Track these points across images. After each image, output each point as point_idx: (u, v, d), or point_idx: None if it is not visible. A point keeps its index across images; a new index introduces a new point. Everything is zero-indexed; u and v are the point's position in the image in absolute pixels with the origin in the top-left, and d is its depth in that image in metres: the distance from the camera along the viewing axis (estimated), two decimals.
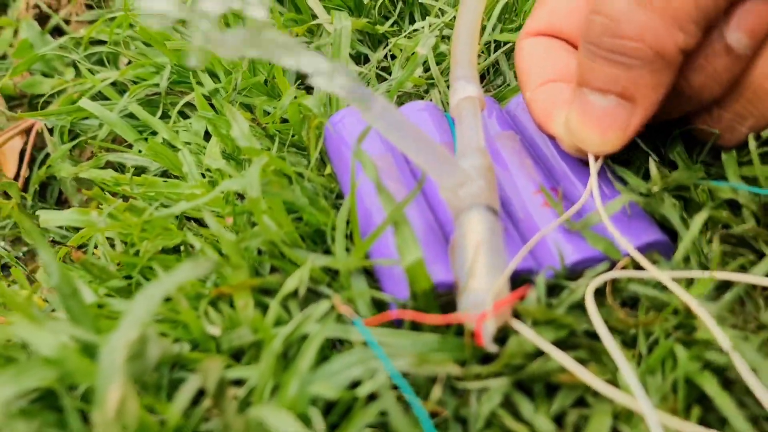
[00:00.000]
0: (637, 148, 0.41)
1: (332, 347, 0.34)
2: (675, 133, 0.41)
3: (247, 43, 0.27)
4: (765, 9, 0.33)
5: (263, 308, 0.35)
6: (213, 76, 0.57)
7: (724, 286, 0.35)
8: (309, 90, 0.54)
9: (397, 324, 0.34)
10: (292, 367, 0.30)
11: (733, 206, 0.39)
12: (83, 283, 0.38)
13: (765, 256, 0.35)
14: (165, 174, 0.53)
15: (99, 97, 0.61)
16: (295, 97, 0.48)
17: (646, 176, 0.40)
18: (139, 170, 0.54)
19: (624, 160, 0.42)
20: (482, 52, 0.55)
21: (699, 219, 0.35)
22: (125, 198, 0.49)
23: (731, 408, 0.30)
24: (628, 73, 0.33)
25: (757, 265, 0.35)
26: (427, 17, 0.57)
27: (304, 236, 0.39)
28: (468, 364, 0.31)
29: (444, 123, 0.44)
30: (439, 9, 0.58)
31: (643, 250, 0.35)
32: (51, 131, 0.63)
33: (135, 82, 0.61)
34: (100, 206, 0.46)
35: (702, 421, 0.30)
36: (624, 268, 0.35)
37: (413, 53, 0.52)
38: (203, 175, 0.47)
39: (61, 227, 0.56)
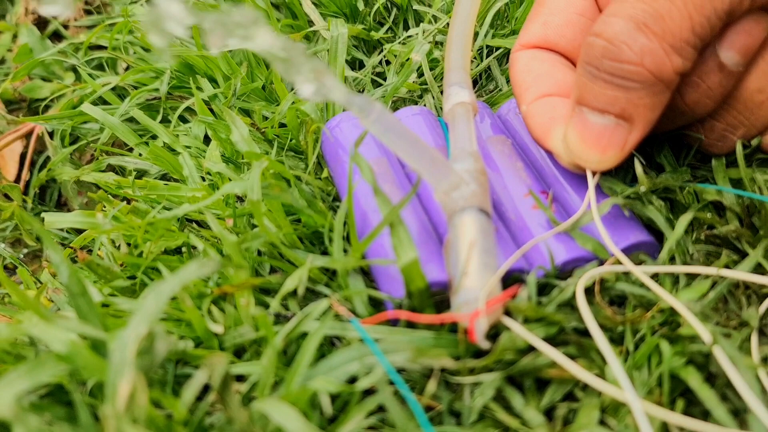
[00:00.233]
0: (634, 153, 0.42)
1: (331, 344, 0.35)
2: (663, 138, 0.42)
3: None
4: (756, 28, 0.35)
5: (264, 307, 0.36)
6: (212, 81, 0.58)
7: (711, 286, 0.36)
8: None
9: (393, 322, 0.35)
10: (293, 363, 0.32)
11: (719, 208, 0.40)
12: (88, 283, 0.39)
13: (747, 256, 0.37)
14: (165, 177, 0.54)
15: (99, 101, 0.62)
16: (293, 103, 0.49)
17: (635, 179, 0.41)
18: (140, 173, 0.55)
19: None
20: (475, 58, 0.56)
21: (684, 220, 0.37)
22: (127, 200, 0.50)
23: (713, 400, 0.31)
24: (627, 95, 0.34)
25: (740, 264, 0.36)
26: (420, 23, 0.59)
27: (302, 237, 0.41)
28: (462, 360, 0.32)
29: (437, 127, 0.45)
30: (433, 16, 0.59)
31: (630, 250, 0.37)
32: (51, 135, 0.64)
33: (135, 87, 0.62)
34: (104, 209, 0.47)
35: (686, 414, 0.31)
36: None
37: (407, 59, 0.53)
38: (203, 179, 0.49)
39: (61, 229, 0.57)
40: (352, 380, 0.31)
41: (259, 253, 0.40)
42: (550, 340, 0.33)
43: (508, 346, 0.32)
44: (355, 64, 0.58)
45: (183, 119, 0.59)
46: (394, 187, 0.40)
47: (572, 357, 0.33)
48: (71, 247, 0.46)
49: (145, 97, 0.59)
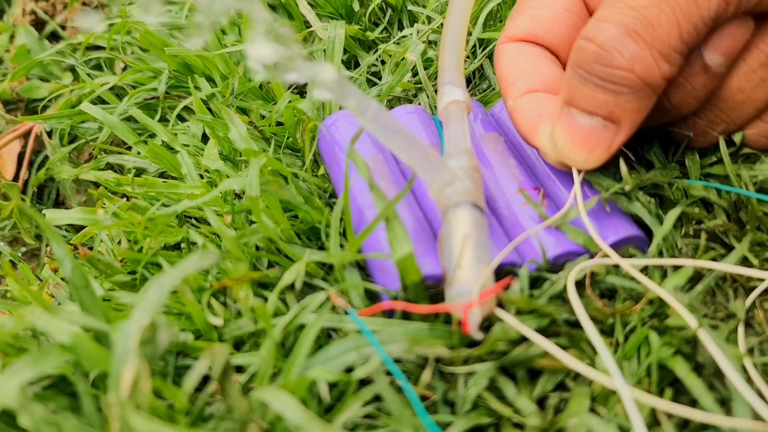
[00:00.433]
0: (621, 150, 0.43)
1: (327, 336, 0.36)
2: (651, 134, 0.43)
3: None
4: (739, 31, 0.36)
5: (262, 301, 0.37)
6: (210, 80, 0.59)
7: (696, 279, 0.37)
8: (303, 94, 0.56)
9: (389, 314, 0.36)
10: (291, 354, 0.32)
11: (707, 204, 0.41)
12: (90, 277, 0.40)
13: (734, 249, 0.37)
14: (163, 175, 0.55)
15: (97, 101, 0.63)
16: (290, 101, 0.49)
17: None
18: (139, 171, 0.55)
19: None
20: (468, 57, 0.57)
21: (672, 215, 0.37)
22: (126, 198, 0.50)
23: (700, 388, 0.32)
24: (616, 99, 0.35)
25: (726, 257, 0.37)
26: (415, 24, 0.59)
27: (299, 233, 0.41)
28: (455, 350, 0.33)
29: (432, 125, 0.46)
30: (427, 16, 0.60)
31: (620, 245, 0.38)
32: (49, 134, 0.65)
33: (133, 87, 0.63)
34: (104, 206, 0.48)
35: (674, 402, 0.32)
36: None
37: (402, 59, 0.54)
38: (201, 176, 0.49)
39: (59, 227, 0.57)
40: (349, 370, 0.32)
41: (257, 248, 0.40)
42: (542, 332, 0.34)
43: (501, 336, 0.33)
44: (351, 64, 0.59)
45: (181, 118, 0.60)
46: (390, 184, 0.41)
47: (563, 348, 0.34)
48: (71, 244, 0.47)
49: (143, 97, 0.60)
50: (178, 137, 0.54)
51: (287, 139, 0.49)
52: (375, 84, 0.56)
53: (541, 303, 0.35)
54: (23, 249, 0.62)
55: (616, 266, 0.37)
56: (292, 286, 0.38)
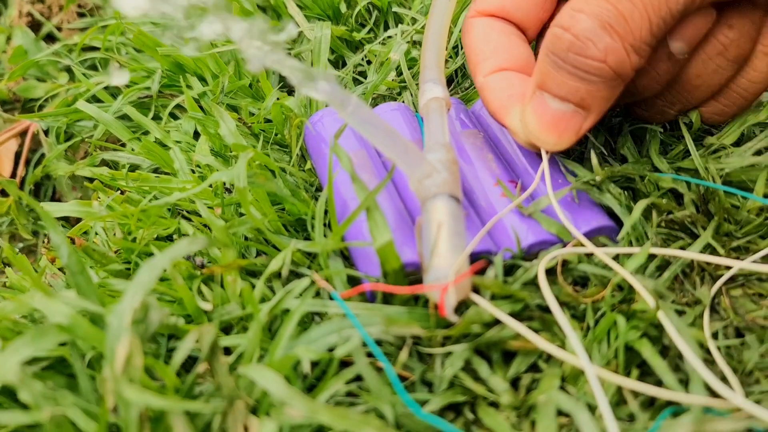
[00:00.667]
0: (593, 144, 0.45)
1: (312, 321, 0.38)
2: (625, 130, 0.45)
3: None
4: (702, 21, 0.39)
5: (250, 286, 0.39)
6: (201, 79, 0.61)
7: (665, 267, 0.39)
8: (290, 92, 0.58)
9: (370, 300, 0.37)
10: (276, 335, 0.34)
11: (679, 197, 0.43)
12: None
13: (699, 237, 0.39)
14: (156, 171, 0.56)
15: (92, 100, 0.64)
16: (278, 99, 0.51)
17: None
18: (133, 167, 0.57)
19: (579, 154, 0.46)
20: (451, 57, 0.59)
21: (640, 204, 0.39)
22: (121, 192, 0.52)
23: (663, 367, 0.34)
24: (588, 87, 0.37)
25: (691, 245, 0.39)
26: (399, 25, 0.61)
27: (286, 224, 0.43)
28: (431, 330, 0.35)
29: (414, 122, 0.47)
30: (411, 18, 0.61)
31: (592, 234, 0.39)
32: (46, 133, 0.67)
33: (127, 86, 0.64)
34: (98, 198, 0.50)
35: (638, 381, 0.33)
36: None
37: (387, 59, 0.56)
38: (193, 171, 0.51)
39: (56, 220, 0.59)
40: (331, 351, 0.34)
41: (246, 238, 0.42)
42: (516, 316, 0.36)
43: (475, 319, 0.34)
44: (338, 63, 0.61)
45: (173, 116, 0.61)
46: (372, 177, 0.43)
47: (536, 331, 0.36)
48: (68, 237, 0.48)
49: (137, 95, 0.62)
50: (170, 134, 0.55)
51: (275, 135, 0.50)
52: (361, 82, 0.57)
53: (515, 288, 0.36)
54: (20, 245, 0.63)
55: (589, 254, 0.39)
56: (278, 275, 0.40)
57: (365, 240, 0.39)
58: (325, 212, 0.41)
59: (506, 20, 0.44)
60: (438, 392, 0.34)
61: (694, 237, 0.40)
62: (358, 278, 0.38)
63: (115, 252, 0.45)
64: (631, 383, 0.32)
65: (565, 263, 0.39)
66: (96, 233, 0.47)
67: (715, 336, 0.37)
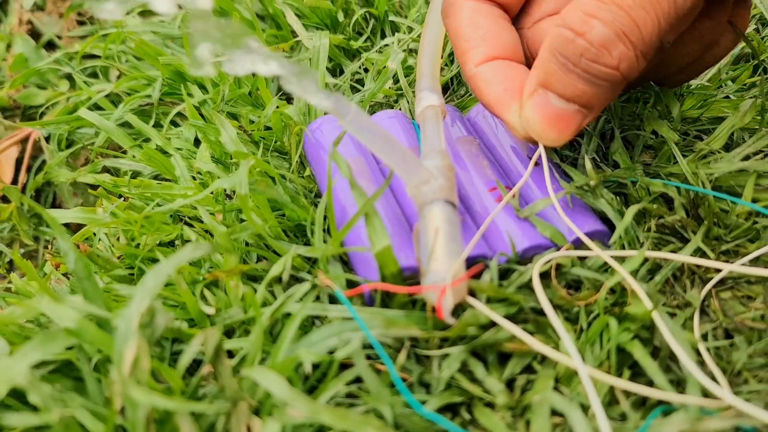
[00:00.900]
0: (586, 151, 0.46)
1: (312, 325, 0.39)
2: (617, 136, 0.46)
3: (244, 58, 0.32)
4: (691, 14, 0.39)
5: (252, 290, 0.39)
6: (201, 87, 0.61)
7: (656, 270, 0.40)
8: (289, 100, 0.58)
9: (369, 304, 0.38)
10: (278, 338, 0.35)
11: (670, 203, 0.44)
12: None
13: (689, 242, 0.40)
14: (157, 178, 0.57)
15: (93, 107, 0.65)
16: (278, 107, 0.52)
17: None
18: (134, 174, 0.58)
19: (572, 159, 0.47)
20: (446, 65, 0.60)
21: (632, 209, 0.40)
22: (124, 199, 0.53)
23: (654, 368, 0.35)
24: (595, 90, 0.37)
25: (682, 249, 0.40)
26: (396, 33, 0.62)
27: (286, 230, 0.44)
28: (429, 332, 0.36)
29: (411, 129, 0.48)
30: (408, 26, 0.62)
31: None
32: (47, 140, 0.68)
33: (128, 94, 0.65)
34: (102, 205, 0.50)
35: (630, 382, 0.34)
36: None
37: (384, 67, 0.57)
38: (194, 178, 0.52)
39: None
40: (332, 353, 0.35)
41: (247, 244, 0.43)
42: (511, 319, 0.37)
43: (471, 321, 0.35)
44: (336, 72, 0.62)
45: (174, 123, 0.62)
46: (370, 183, 0.43)
47: (530, 333, 0.37)
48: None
49: (138, 103, 0.63)
50: (171, 141, 0.56)
51: (275, 142, 0.51)
52: (358, 90, 0.58)
53: (510, 292, 0.37)
54: (21, 251, 0.64)
55: (582, 258, 0.40)
56: (279, 280, 0.40)
57: (364, 245, 0.40)
58: (325, 218, 0.42)
59: (491, 1, 0.44)
60: (435, 393, 0.35)
61: (685, 241, 0.41)
62: (357, 283, 0.39)
63: (118, 257, 0.46)
64: (623, 383, 0.33)
65: (558, 267, 0.40)
66: (99, 239, 0.48)
67: (704, 337, 0.38)
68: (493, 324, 0.36)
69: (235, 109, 0.57)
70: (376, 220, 0.37)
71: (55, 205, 0.69)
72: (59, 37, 0.84)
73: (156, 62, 0.62)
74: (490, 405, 0.35)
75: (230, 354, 0.37)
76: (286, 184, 0.46)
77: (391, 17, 0.63)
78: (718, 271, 0.39)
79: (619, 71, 0.36)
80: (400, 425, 0.33)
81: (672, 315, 0.39)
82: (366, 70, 0.59)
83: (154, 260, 0.44)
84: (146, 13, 0.76)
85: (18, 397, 0.33)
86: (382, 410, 0.33)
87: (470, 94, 0.57)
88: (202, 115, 0.57)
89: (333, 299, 0.39)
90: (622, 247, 0.41)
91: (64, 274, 0.46)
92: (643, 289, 0.37)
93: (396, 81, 0.57)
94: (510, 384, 0.37)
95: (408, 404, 0.34)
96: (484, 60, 0.42)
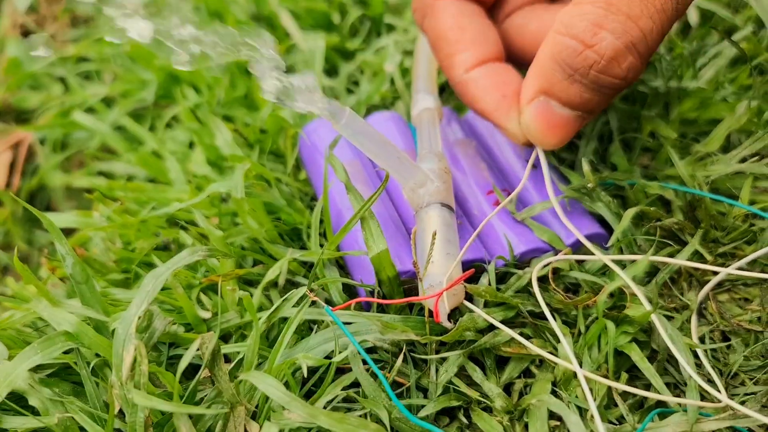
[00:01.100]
0: (584, 154, 0.46)
1: (309, 330, 0.39)
2: (615, 138, 0.46)
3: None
4: None
5: (248, 294, 0.39)
6: (196, 90, 0.61)
7: (654, 273, 0.40)
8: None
9: (366, 308, 0.38)
10: (276, 343, 0.35)
11: (667, 205, 0.44)
12: None
13: (686, 245, 0.40)
14: (152, 181, 0.57)
15: (86, 110, 0.65)
16: (273, 110, 0.52)
17: None
18: (128, 178, 0.58)
19: (570, 162, 0.47)
20: None
21: (630, 212, 0.40)
22: (121, 203, 0.52)
23: (651, 370, 0.35)
24: (600, 98, 0.37)
25: (680, 252, 0.40)
26: (392, 34, 0.62)
27: (282, 234, 0.44)
28: (426, 337, 0.36)
29: (407, 131, 0.48)
30: (404, 28, 0.62)
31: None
32: (41, 143, 0.67)
33: (122, 97, 0.65)
34: (98, 210, 0.50)
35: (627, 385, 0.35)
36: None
37: (381, 70, 0.57)
38: (189, 181, 0.51)
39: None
40: (329, 358, 0.35)
41: (243, 248, 0.43)
42: (508, 322, 0.37)
43: (469, 325, 0.35)
44: (330, 72, 0.61)
45: (168, 126, 0.62)
46: (366, 187, 0.43)
47: (528, 337, 0.37)
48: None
49: (132, 106, 0.62)
50: (166, 145, 0.56)
51: (270, 145, 0.51)
52: (353, 92, 0.58)
53: (508, 296, 0.37)
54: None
55: (580, 262, 0.40)
56: (275, 284, 0.40)
57: (360, 249, 0.40)
58: (321, 221, 0.42)
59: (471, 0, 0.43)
60: (433, 397, 0.35)
61: (682, 243, 0.41)
62: (353, 286, 0.39)
63: (113, 262, 0.45)
64: (620, 386, 0.33)
65: (556, 271, 0.40)
66: (95, 243, 0.48)
67: (702, 340, 0.38)
68: (491, 328, 0.36)
69: (230, 112, 0.57)
70: (373, 223, 0.37)
71: (49, 209, 0.68)
72: (52, 38, 0.84)
73: (150, 65, 0.62)
74: (488, 409, 0.35)
75: (226, 359, 0.37)
76: (282, 188, 0.46)
77: (387, 19, 0.63)
78: (716, 273, 0.39)
79: (626, 80, 0.36)
80: (397, 429, 0.33)
81: (669, 318, 0.39)
82: (361, 72, 0.59)
83: (150, 264, 0.44)
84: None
85: (17, 401, 0.33)
86: (379, 414, 0.33)
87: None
88: (197, 118, 0.57)
89: (330, 303, 0.39)
90: (620, 250, 0.41)
91: (60, 278, 0.46)
92: (642, 292, 0.37)
93: (392, 82, 0.56)
94: (508, 388, 0.37)
95: (405, 407, 0.34)
96: (475, 64, 0.41)
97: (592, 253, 0.40)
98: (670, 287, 0.40)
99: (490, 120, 0.41)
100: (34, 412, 0.32)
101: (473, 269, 0.37)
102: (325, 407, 0.34)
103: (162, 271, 0.32)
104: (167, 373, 0.32)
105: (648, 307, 0.36)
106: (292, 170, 0.49)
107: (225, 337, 0.39)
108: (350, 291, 0.40)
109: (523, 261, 0.40)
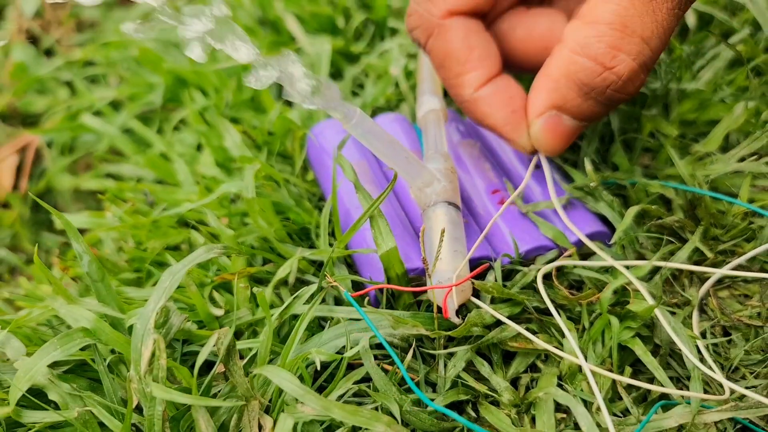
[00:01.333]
0: (586, 154, 0.47)
1: (320, 327, 0.39)
2: (616, 139, 0.47)
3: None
4: None
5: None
6: (204, 93, 0.62)
7: (656, 270, 0.41)
8: (291, 104, 0.59)
9: (375, 305, 0.39)
10: (288, 339, 0.36)
11: (668, 204, 0.45)
12: None
13: (687, 242, 0.41)
14: (160, 183, 0.57)
15: (93, 113, 0.66)
16: (280, 112, 0.53)
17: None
18: (137, 180, 0.58)
19: (573, 162, 0.48)
20: None
21: (632, 211, 0.41)
22: (130, 204, 0.53)
23: (654, 363, 0.36)
24: (609, 109, 0.39)
25: (680, 250, 0.41)
26: (396, 37, 0.62)
27: (291, 233, 0.45)
28: (435, 332, 0.36)
29: (412, 132, 0.49)
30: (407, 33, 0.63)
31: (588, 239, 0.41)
32: (48, 146, 0.68)
33: (129, 100, 0.65)
34: (110, 210, 0.51)
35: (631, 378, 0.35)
36: (569, 256, 0.41)
37: (386, 72, 0.57)
38: (198, 182, 0.52)
39: (62, 232, 0.60)
40: (340, 353, 0.35)
41: (253, 247, 0.43)
42: (515, 318, 0.38)
43: (477, 321, 0.36)
44: (335, 75, 0.62)
45: (175, 128, 0.63)
46: (374, 186, 0.44)
47: (533, 332, 0.38)
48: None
49: (140, 110, 0.63)
50: (174, 147, 0.57)
51: (279, 146, 0.51)
52: (358, 95, 0.59)
53: (514, 292, 0.38)
54: (23, 257, 0.64)
55: (584, 259, 0.41)
56: (285, 282, 0.41)
57: (369, 248, 0.40)
58: (329, 221, 0.43)
59: (474, 15, 0.42)
60: (442, 391, 0.36)
61: (683, 241, 0.42)
62: (362, 284, 0.40)
63: (125, 262, 0.46)
64: (624, 379, 0.34)
65: (560, 268, 0.41)
66: (105, 244, 0.49)
67: (703, 335, 0.39)
68: (497, 323, 0.37)
69: (237, 114, 0.58)
70: (382, 221, 0.38)
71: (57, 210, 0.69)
72: (58, 42, 0.84)
73: (158, 69, 0.63)
74: (496, 403, 0.36)
75: (240, 355, 0.38)
76: (291, 188, 0.47)
77: (391, 23, 0.63)
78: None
79: (635, 93, 0.38)
80: (407, 422, 0.34)
81: (672, 313, 0.39)
82: (366, 75, 0.60)
83: (162, 263, 0.44)
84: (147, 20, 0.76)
85: (36, 396, 0.34)
86: (390, 407, 0.34)
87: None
88: (205, 120, 0.57)
89: (338, 301, 0.40)
90: (622, 248, 0.42)
91: (72, 278, 0.46)
92: (645, 288, 0.38)
93: (396, 86, 0.57)
94: (514, 382, 0.38)
95: (415, 402, 0.34)
96: (484, 83, 0.42)
97: (592, 252, 0.41)
98: (671, 284, 0.41)
99: (499, 134, 0.42)
100: (54, 407, 0.33)
101: (488, 264, 0.38)
102: (337, 401, 0.35)
103: (179, 268, 0.32)
104: (183, 368, 0.33)
105: (651, 302, 0.37)
106: (300, 171, 0.50)
107: (237, 334, 0.39)
108: (359, 289, 0.40)
109: (528, 258, 0.41)
